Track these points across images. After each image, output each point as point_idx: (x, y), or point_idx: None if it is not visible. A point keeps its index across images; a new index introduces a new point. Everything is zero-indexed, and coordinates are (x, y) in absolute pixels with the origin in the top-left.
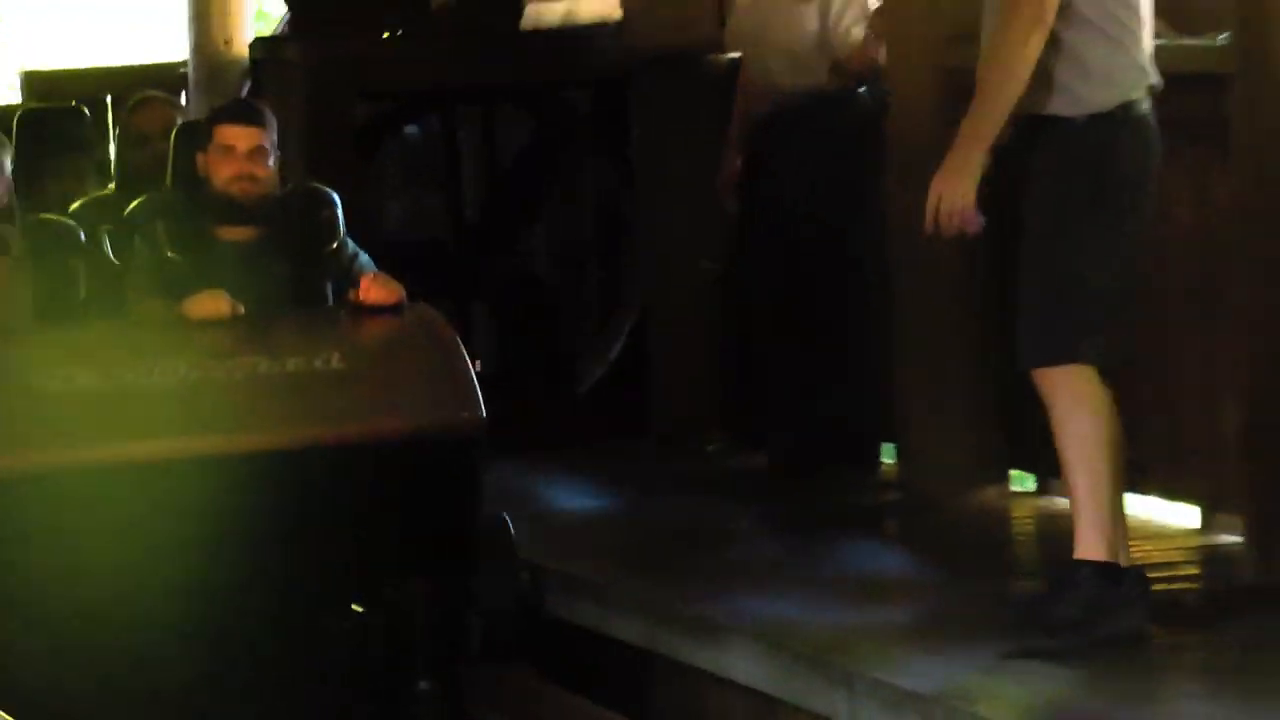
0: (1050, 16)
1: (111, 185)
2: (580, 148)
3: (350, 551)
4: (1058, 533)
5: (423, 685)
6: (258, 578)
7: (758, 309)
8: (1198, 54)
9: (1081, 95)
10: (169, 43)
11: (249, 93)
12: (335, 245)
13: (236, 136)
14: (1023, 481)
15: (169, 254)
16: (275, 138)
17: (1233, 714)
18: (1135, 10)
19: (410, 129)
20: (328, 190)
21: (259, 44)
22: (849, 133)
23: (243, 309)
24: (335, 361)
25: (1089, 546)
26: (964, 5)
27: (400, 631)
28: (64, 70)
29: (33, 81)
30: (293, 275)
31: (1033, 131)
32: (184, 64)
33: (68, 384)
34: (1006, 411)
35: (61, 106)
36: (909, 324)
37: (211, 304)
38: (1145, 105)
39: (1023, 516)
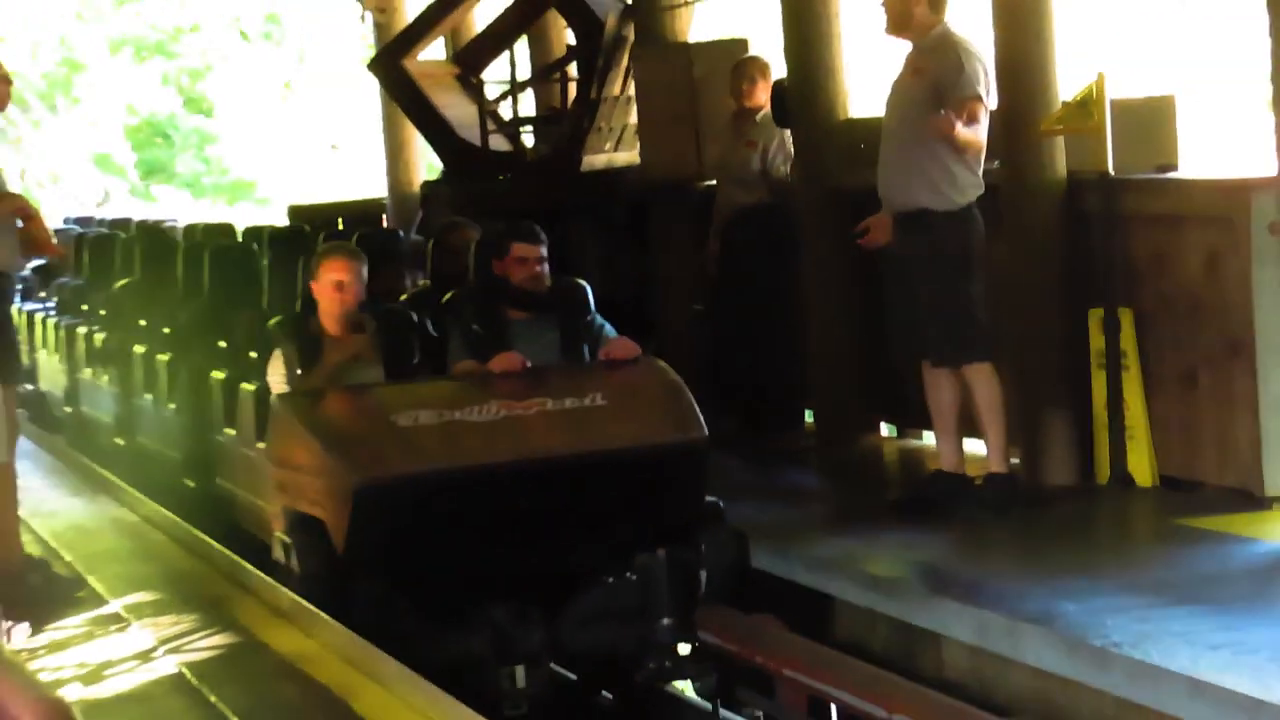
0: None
1: (423, 281)
2: (619, 241)
3: (616, 529)
4: (913, 460)
5: (666, 622)
6: (560, 550)
7: (726, 331)
8: (991, 172)
9: (950, 197)
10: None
11: (421, 216)
12: (588, 318)
13: (530, 251)
14: (891, 430)
15: (474, 327)
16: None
17: (1023, 563)
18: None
19: None
20: (581, 281)
21: (426, 184)
22: (781, 229)
23: (529, 363)
24: (598, 400)
25: (998, 464)
26: (852, 145)
27: (649, 585)
28: (313, 204)
29: (295, 211)
30: (561, 341)
31: (912, 219)
32: (384, 198)
33: (414, 421)
34: (879, 386)
35: (386, 230)
36: (818, 337)
37: (508, 361)
38: (976, 204)
39: (890, 451)
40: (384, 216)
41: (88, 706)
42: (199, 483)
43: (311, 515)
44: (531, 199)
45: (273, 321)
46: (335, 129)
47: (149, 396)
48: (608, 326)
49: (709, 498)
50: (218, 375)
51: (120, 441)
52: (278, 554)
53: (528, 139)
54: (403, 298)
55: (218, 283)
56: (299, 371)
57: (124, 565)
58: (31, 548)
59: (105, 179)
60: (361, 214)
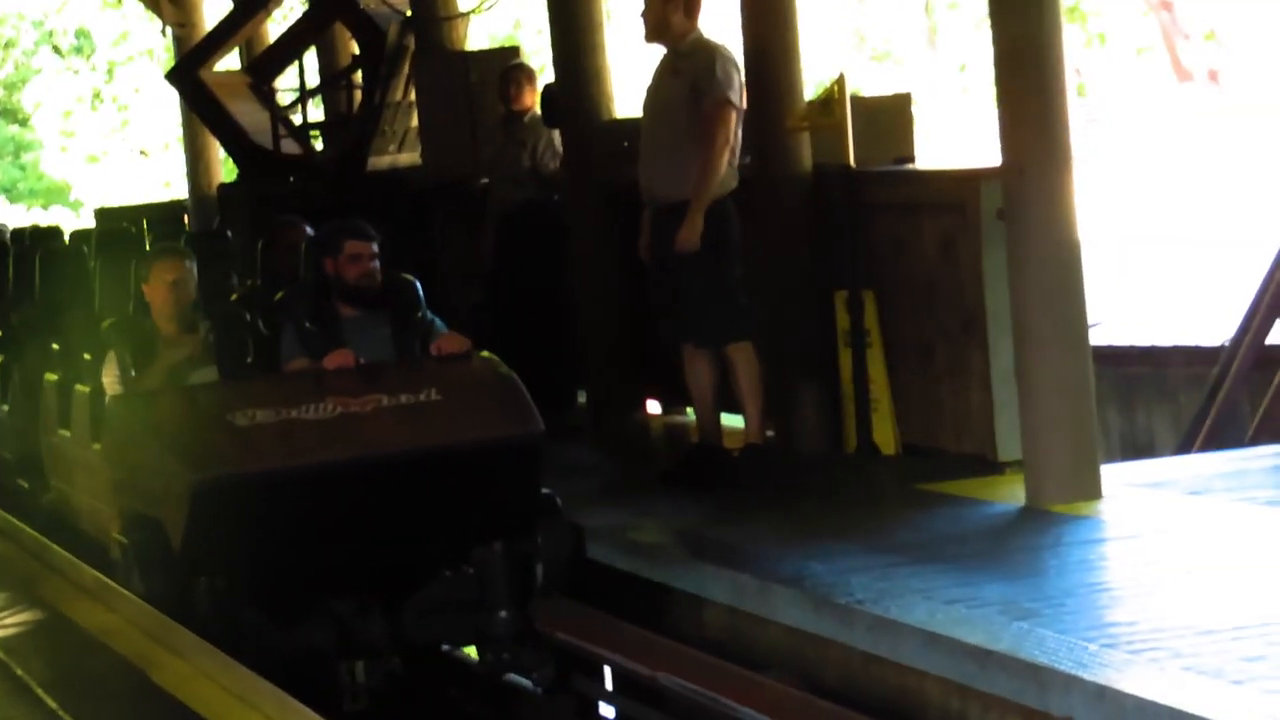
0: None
1: (251, 281)
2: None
3: (454, 523)
4: (678, 435)
5: (503, 614)
6: (400, 544)
7: (503, 318)
8: (744, 166)
9: (711, 184)
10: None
11: (220, 216)
12: (419, 314)
13: (363, 248)
14: (655, 408)
15: (306, 325)
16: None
17: (777, 527)
18: (738, 139)
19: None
20: (411, 278)
21: (223, 187)
22: (551, 222)
23: (363, 360)
24: (434, 395)
25: (755, 435)
26: (615, 143)
27: (486, 578)
28: (119, 206)
29: (101, 213)
30: (393, 337)
31: (673, 211)
32: (185, 200)
33: (251, 420)
34: (646, 367)
35: (214, 231)
36: (588, 322)
37: (341, 358)
38: (731, 197)
39: (657, 427)
40: (185, 217)
41: None
42: (32, 484)
43: (149, 515)
44: (321, 198)
45: (106, 323)
46: (143, 136)
47: None
48: (438, 321)
49: (544, 490)
50: (51, 377)
51: None
52: (115, 554)
53: (317, 143)
54: (233, 297)
55: (49, 285)
56: (133, 372)
57: None
58: None
59: None
60: (164, 215)
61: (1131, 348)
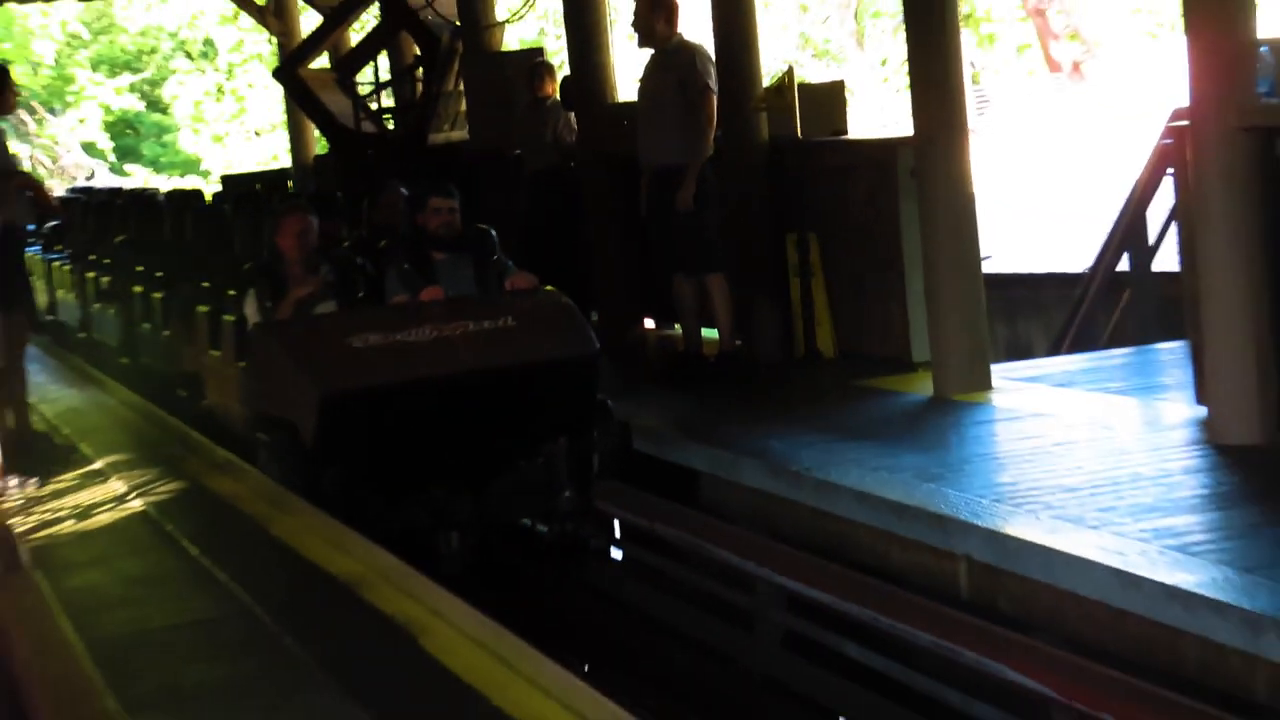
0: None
1: (356, 232)
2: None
3: (527, 424)
4: (669, 345)
5: (567, 494)
6: (484, 441)
7: (534, 259)
8: (718, 138)
9: (699, 154)
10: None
11: (316, 181)
12: (495, 257)
13: (443, 203)
14: (651, 324)
15: (405, 266)
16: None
17: (744, 414)
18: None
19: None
20: (488, 228)
21: (317, 158)
22: (569, 183)
23: (451, 294)
24: (509, 322)
25: (727, 345)
26: (618, 122)
27: (553, 466)
28: (239, 174)
29: (226, 180)
30: (475, 276)
31: (667, 173)
32: (289, 168)
33: (366, 343)
34: (644, 293)
35: (325, 192)
36: (599, 259)
37: (433, 292)
38: (710, 161)
39: (652, 340)
40: (289, 181)
41: (81, 534)
42: (190, 393)
43: (286, 419)
44: (392, 167)
45: (247, 266)
46: (255, 120)
47: (147, 326)
48: (510, 264)
49: (600, 396)
50: (202, 309)
51: (125, 361)
52: (260, 450)
53: (389, 124)
54: (344, 244)
55: (198, 236)
56: (269, 305)
57: (105, 435)
58: (38, 425)
59: (91, 161)
60: (273, 180)
61: (1014, 274)
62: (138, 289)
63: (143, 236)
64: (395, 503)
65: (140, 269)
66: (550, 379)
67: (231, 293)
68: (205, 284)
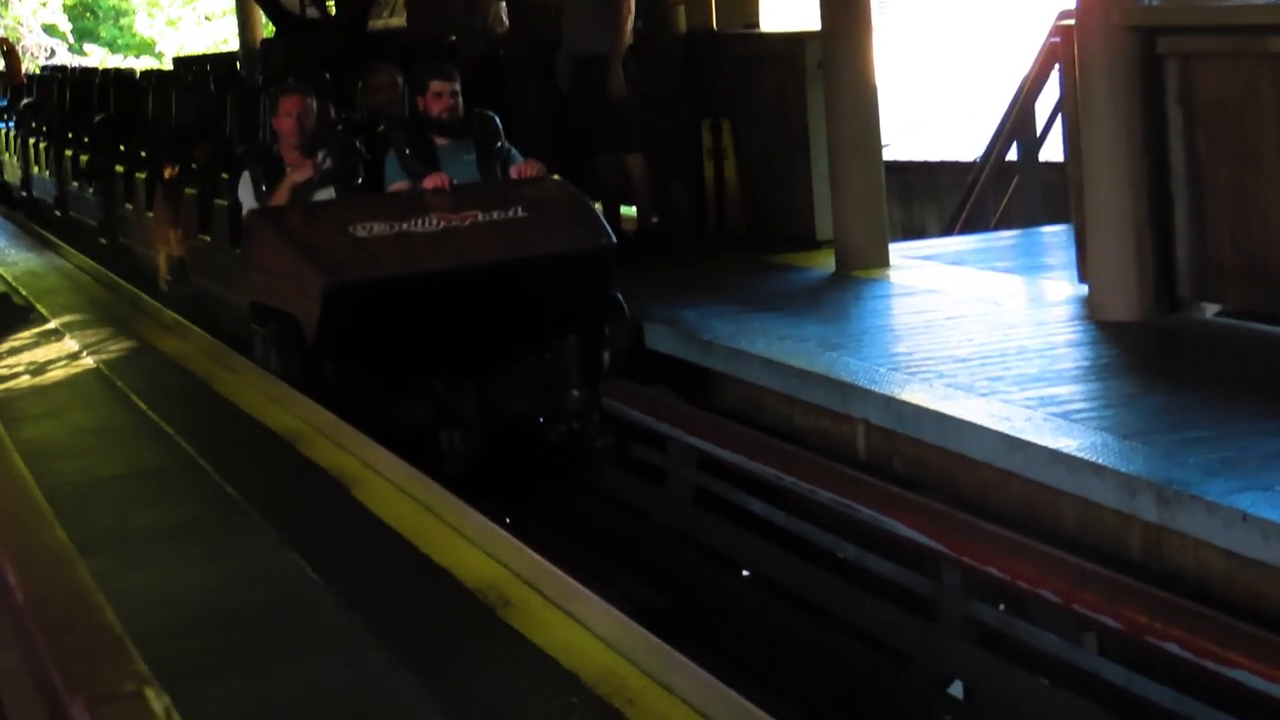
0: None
1: (347, 114)
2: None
3: (537, 319)
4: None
5: (575, 393)
6: (490, 336)
7: None
8: (638, 30)
9: (620, 43)
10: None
11: (262, 63)
12: (500, 144)
13: (444, 86)
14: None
15: (406, 152)
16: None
17: (659, 287)
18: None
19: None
20: (491, 113)
21: (264, 42)
22: (500, 69)
23: (455, 181)
24: (520, 213)
25: (645, 222)
26: (548, 11)
27: (561, 363)
28: (190, 55)
29: (178, 60)
30: (478, 162)
31: (592, 61)
32: (237, 51)
33: (370, 232)
34: (568, 172)
35: (316, 72)
36: (526, 141)
37: (438, 179)
38: (630, 50)
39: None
40: (237, 63)
41: (36, 388)
42: (175, 278)
43: (285, 310)
44: (333, 51)
45: (240, 148)
46: (207, 5)
47: (129, 206)
48: (514, 150)
49: (611, 292)
50: (190, 191)
51: (104, 241)
52: (255, 345)
53: (332, 10)
54: (339, 127)
55: (184, 116)
56: (264, 189)
57: (61, 296)
58: None
59: (52, 41)
60: (223, 62)
61: (911, 161)
62: (119, 168)
63: (123, 116)
64: (397, 398)
65: (122, 148)
66: (564, 273)
67: (225, 175)
68: (192, 165)
